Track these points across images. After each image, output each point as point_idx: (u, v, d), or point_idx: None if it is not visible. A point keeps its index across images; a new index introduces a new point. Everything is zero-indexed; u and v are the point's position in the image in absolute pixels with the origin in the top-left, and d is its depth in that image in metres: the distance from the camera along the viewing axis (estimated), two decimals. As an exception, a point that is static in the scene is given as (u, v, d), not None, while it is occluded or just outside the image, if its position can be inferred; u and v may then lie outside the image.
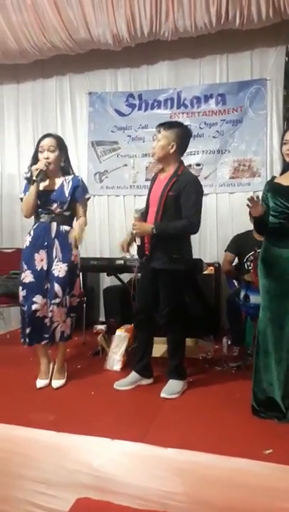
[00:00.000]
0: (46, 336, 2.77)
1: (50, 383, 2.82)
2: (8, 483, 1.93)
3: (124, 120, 4.46)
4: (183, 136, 2.67)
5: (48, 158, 2.73)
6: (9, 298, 3.59)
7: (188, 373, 2.85)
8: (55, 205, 2.77)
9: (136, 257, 2.87)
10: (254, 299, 2.95)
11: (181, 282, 2.69)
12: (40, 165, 2.70)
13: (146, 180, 4.25)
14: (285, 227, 2.32)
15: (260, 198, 2.38)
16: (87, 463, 1.90)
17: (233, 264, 3.69)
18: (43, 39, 3.98)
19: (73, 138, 4.54)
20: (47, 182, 2.77)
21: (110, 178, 4.52)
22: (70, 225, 2.85)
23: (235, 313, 3.29)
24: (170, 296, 2.66)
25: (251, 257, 3.38)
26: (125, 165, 4.47)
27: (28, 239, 2.82)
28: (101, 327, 3.84)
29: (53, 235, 2.77)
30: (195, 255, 4.02)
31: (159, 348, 3.02)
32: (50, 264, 2.76)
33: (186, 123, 4.24)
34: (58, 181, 2.82)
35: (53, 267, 2.75)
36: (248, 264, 3.44)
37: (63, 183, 2.80)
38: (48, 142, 2.78)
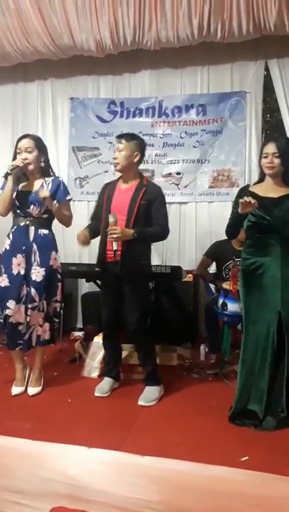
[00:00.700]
0: (20, 342, 2.74)
1: (25, 390, 2.78)
2: (-19, 493, 1.89)
3: (106, 127, 4.47)
4: (143, 147, 2.79)
5: (26, 159, 2.71)
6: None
7: (166, 380, 2.86)
8: (32, 207, 2.73)
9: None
10: (232, 306, 3.00)
11: (147, 287, 2.84)
12: (17, 161, 2.68)
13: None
14: (262, 237, 2.37)
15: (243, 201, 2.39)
16: (63, 471, 1.87)
17: (211, 271, 3.73)
18: (26, 43, 3.96)
19: (54, 142, 4.51)
20: (26, 186, 2.75)
21: (91, 184, 4.51)
22: (49, 228, 2.82)
23: (213, 320, 3.31)
24: (139, 301, 2.71)
25: (230, 266, 3.43)
26: (106, 171, 4.46)
27: (8, 242, 2.78)
28: (78, 334, 3.81)
29: (31, 239, 2.74)
30: (174, 262, 4.10)
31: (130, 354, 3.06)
32: (28, 268, 2.73)
33: (166, 132, 4.35)
34: (37, 183, 2.78)
35: (31, 271, 2.72)
36: (226, 272, 3.48)
37: (43, 185, 2.76)
38: (25, 143, 2.74)
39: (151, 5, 3.56)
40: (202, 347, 3.50)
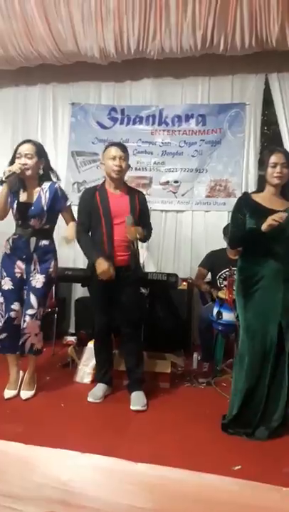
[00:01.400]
0: (18, 345, 2.72)
1: (18, 394, 2.77)
2: (-27, 497, 1.87)
3: (106, 133, 4.49)
4: None
5: (25, 165, 2.67)
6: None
7: (158, 388, 2.86)
8: (33, 220, 2.71)
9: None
10: (227, 316, 3.01)
11: (140, 291, 3.01)
12: (15, 167, 2.62)
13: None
14: (263, 246, 2.38)
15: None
16: (56, 476, 1.87)
17: (206, 280, 3.76)
18: (30, 48, 3.97)
19: (53, 147, 4.52)
20: (26, 196, 2.72)
21: (88, 189, 4.52)
22: (50, 238, 2.82)
23: (207, 329, 3.33)
24: (137, 303, 2.82)
25: (224, 275, 3.46)
26: (104, 177, 4.47)
27: (8, 246, 2.78)
28: (71, 338, 3.80)
29: (32, 249, 2.74)
30: (169, 270, 4.11)
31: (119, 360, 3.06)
32: (27, 275, 2.73)
33: (166, 140, 4.39)
34: (36, 192, 2.75)
35: (31, 278, 2.72)
36: (221, 281, 3.51)
37: (40, 194, 2.74)
38: (26, 148, 2.71)
39: (156, 15, 3.60)
40: (195, 355, 3.51)
